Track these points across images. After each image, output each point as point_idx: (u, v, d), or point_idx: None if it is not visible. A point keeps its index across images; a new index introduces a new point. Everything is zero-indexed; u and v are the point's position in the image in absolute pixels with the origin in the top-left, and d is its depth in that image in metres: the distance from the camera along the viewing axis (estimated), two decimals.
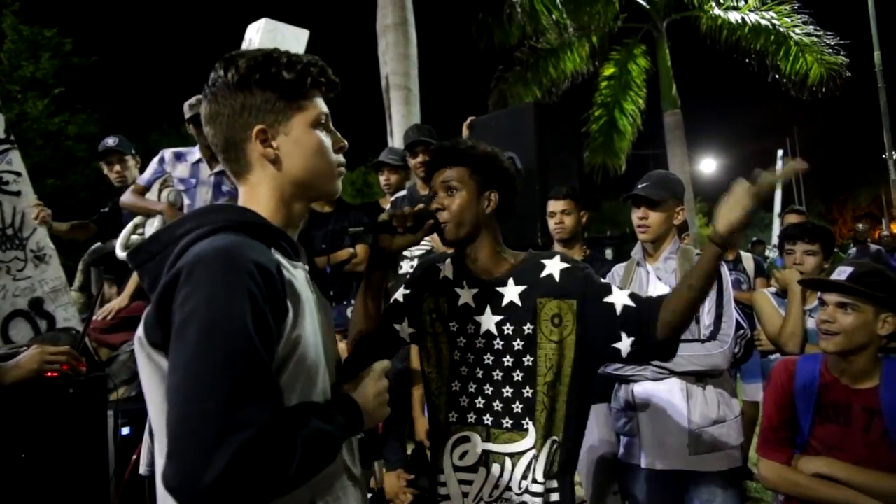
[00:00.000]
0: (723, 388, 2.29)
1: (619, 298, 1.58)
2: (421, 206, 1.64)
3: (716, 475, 2.23)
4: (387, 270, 1.66)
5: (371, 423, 1.15)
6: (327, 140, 1.18)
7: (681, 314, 1.50)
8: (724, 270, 2.34)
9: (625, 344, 1.55)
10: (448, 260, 1.76)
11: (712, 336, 2.24)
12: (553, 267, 1.65)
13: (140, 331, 1.01)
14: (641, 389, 2.32)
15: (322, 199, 1.22)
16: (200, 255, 0.95)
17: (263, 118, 1.10)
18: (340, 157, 1.21)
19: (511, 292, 1.64)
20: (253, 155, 1.12)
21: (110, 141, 3.89)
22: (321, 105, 1.17)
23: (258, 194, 1.14)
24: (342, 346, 2.88)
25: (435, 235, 1.68)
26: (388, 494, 2.73)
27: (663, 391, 2.27)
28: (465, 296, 1.68)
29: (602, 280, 1.67)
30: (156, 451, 1.02)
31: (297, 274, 1.11)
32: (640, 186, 2.45)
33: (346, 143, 1.22)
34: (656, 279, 2.42)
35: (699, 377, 2.25)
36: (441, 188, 1.66)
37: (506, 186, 1.70)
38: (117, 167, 3.85)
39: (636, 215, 2.44)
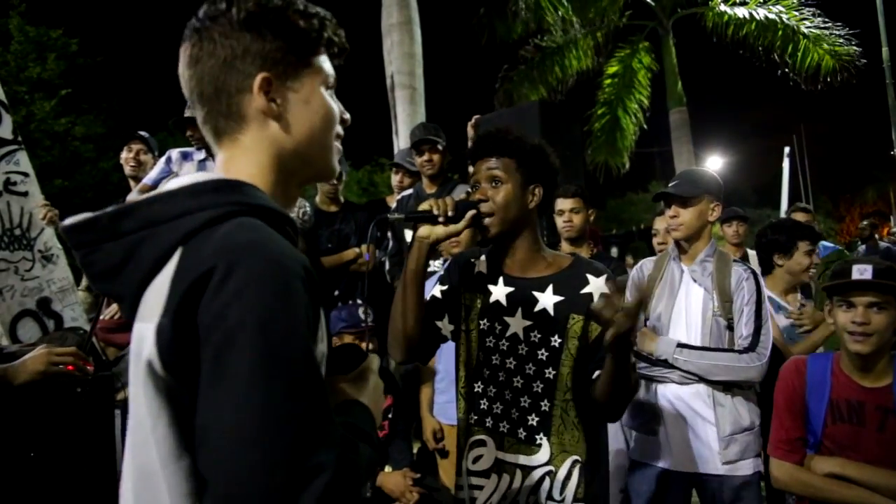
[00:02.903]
0: (749, 394, 2.27)
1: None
2: (463, 195, 1.58)
3: (739, 478, 2.20)
4: (427, 263, 1.58)
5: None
6: (336, 108, 1.00)
7: (603, 401, 1.49)
8: (762, 281, 2.29)
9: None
10: (483, 256, 1.70)
11: (751, 348, 2.18)
12: (595, 287, 1.57)
13: (150, 351, 0.77)
14: (667, 391, 2.29)
15: (318, 180, 1.06)
16: (233, 249, 0.75)
17: (271, 68, 0.91)
18: (340, 130, 1.03)
19: (547, 300, 1.58)
20: (250, 109, 0.91)
21: (142, 132, 4.08)
22: (330, 67, 1.00)
23: (248, 160, 0.92)
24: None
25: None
26: (394, 493, 2.72)
27: (689, 395, 2.25)
28: (498, 293, 1.62)
29: None
30: (146, 494, 0.82)
31: None
32: (670, 185, 2.42)
33: (349, 116, 1.04)
34: (691, 280, 2.35)
35: (727, 386, 2.21)
36: (485, 178, 1.59)
37: (549, 182, 1.63)
38: (136, 152, 3.97)
39: (668, 214, 2.40)
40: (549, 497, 1.52)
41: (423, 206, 1.53)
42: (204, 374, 0.72)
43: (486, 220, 1.56)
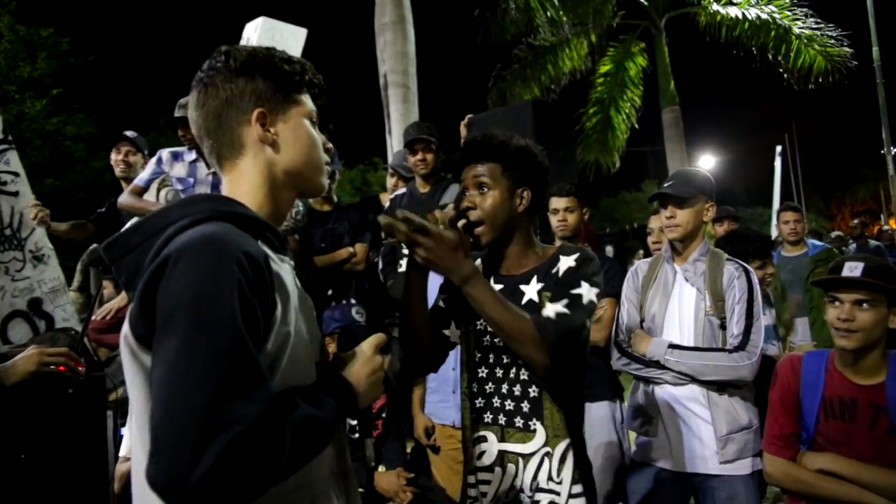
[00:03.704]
0: (745, 393, 2.26)
1: (548, 309, 1.49)
2: (450, 205, 1.60)
3: (738, 478, 2.20)
4: (427, 275, 1.60)
5: (365, 403, 1.13)
6: (319, 137, 1.22)
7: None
8: (755, 278, 2.28)
9: None
10: (479, 260, 1.72)
11: (741, 346, 2.17)
12: (564, 263, 1.58)
13: (126, 326, 0.97)
14: (663, 392, 2.29)
15: (309, 194, 1.25)
16: (187, 243, 0.93)
17: (264, 104, 1.12)
18: (326, 157, 1.24)
19: (532, 290, 1.61)
20: (248, 138, 1.12)
21: (129, 132, 4.06)
22: (312, 104, 1.22)
23: (245, 181, 1.13)
24: (333, 348, 2.89)
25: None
26: (388, 493, 2.72)
27: (685, 396, 2.25)
28: None
29: (585, 286, 1.52)
30: (135, 448, 1.00)
31: (284, 267, 1.09)
32: (665, 185, 2.41)
33: (331, 145, 1.28)
34: (683, 280, 2.35)
35: (721, 386, 2.21)
36: (472, 185, 1.60)
37: (538, 182, 1.64)
38: (124, 154, 3.96)
39: (664, 215, 2.38)
40: (550, 479, 1.55)
41: (416, 224, 1.53)
42: (154, 339, 0.89)
43: (477, 229, 1.58)
